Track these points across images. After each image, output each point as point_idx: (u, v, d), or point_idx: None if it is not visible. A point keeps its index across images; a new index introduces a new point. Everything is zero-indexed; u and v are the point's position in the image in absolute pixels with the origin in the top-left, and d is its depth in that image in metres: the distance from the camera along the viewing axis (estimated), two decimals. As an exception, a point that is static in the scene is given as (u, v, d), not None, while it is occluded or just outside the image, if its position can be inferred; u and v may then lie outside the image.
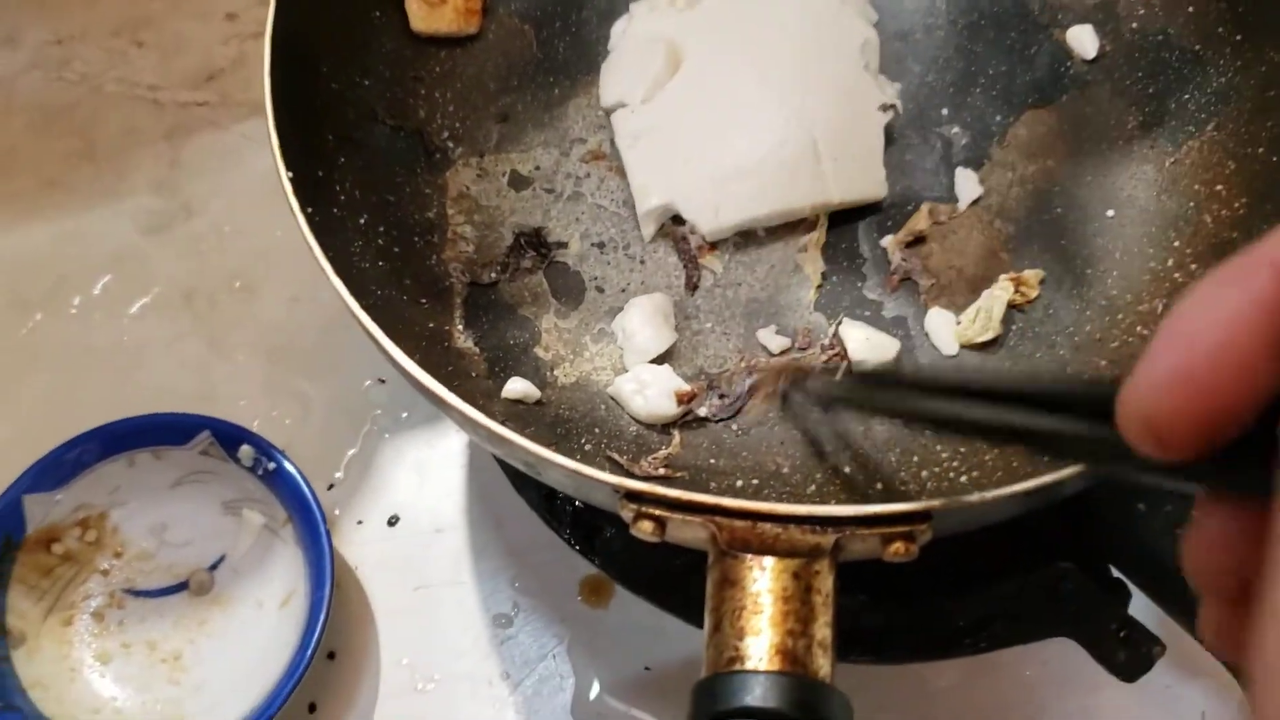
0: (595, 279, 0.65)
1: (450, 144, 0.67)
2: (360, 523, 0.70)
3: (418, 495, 0.72)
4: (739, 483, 0.58)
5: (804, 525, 0.46)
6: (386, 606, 0.68)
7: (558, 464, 0.48)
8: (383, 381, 0.75)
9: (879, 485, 0.57)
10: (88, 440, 0.64)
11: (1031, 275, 0.63)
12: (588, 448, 0.59)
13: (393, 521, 0.70)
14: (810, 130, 0.63)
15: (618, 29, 0.69)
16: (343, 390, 0.75)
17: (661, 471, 0.58)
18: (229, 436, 0.64)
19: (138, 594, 0.66)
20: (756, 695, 0.42)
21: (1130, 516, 0.58)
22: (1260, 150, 0.61)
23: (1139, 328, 0.60)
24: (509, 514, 0.71)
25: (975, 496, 0.47)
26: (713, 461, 0.59)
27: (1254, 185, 0.61)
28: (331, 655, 0.67)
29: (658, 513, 0.47)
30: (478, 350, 0.61)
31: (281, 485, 0.63)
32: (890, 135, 0.66)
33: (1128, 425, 0.28)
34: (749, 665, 0.43)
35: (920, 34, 0.70)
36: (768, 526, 0.46)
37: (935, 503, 0.47)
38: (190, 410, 0.65)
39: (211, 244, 0.79)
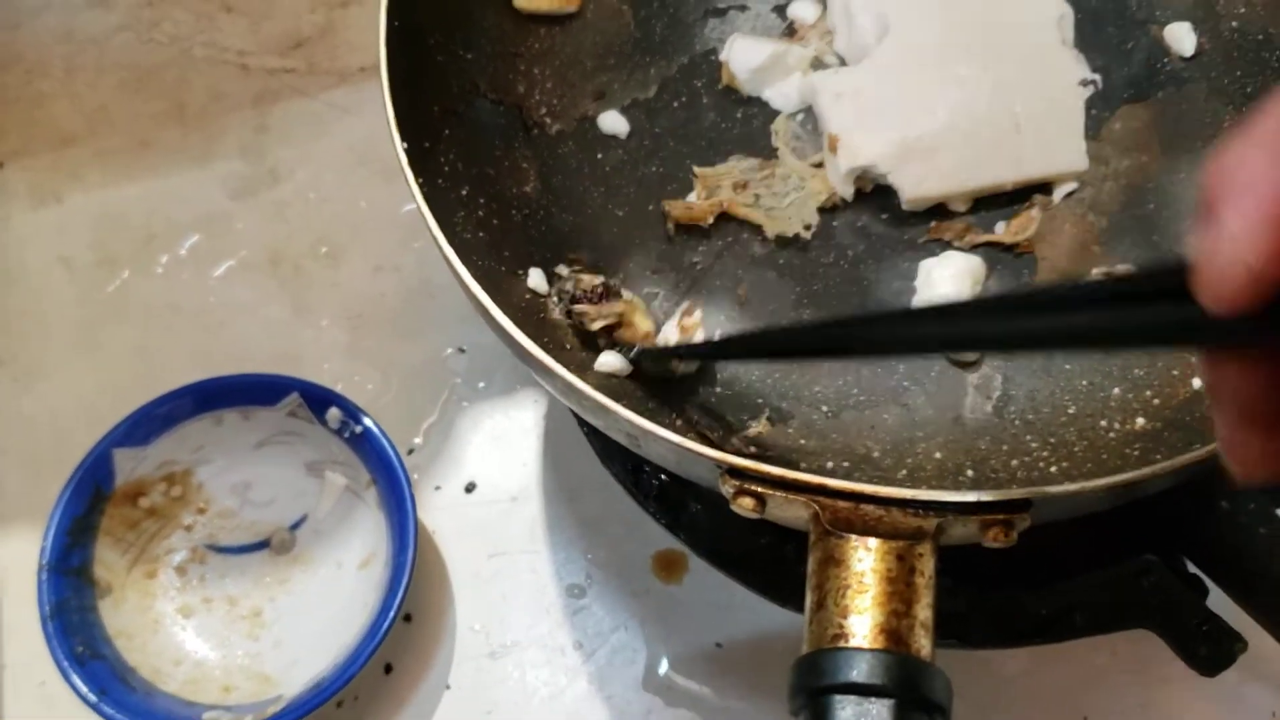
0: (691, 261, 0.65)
1: (548, 119, 0.68)
2: (438, 488, 0.71)
3: (494, 464, 0.73)
4: (829, 464, 0.59)
5: (907, 508, 0.47)
6: (462, 572, 0.69)
7: (663, 437, 0.49)
8: (462, 351, 0.76)
9: (970, 473, 0.58)
10: (179, 397, 0.65)
11: (1124, 269, 0.63)
12: (679, 423, 0.59)
13: (470, 488, 0.71)
14: (1011, 103, 0.64)
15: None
16: (423, 358, 0.76)
17: (751, 450, 0.59)
18: (318, 398, 0.64)
19: (220, 550, 0.67)
20: (862, 671, 0.43)
21: (1213, 512, 0.58)
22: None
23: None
24: (584, 486, 0.72)
25: (1076, 486, 0.47)
26: (802, 443, 0.60)
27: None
28: (408, 618, 0.68)
29: (759, 489, 0.48)
30: (569, 323, 0.62)
31: (367, 448, 0.64)
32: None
33: (1222, 280, 0.29)
34: (853, 643, 0.44)
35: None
36: (870, 508, 0.47)
37: (1037, 489, 0.47)
38: (275, 369, 0.66)
39: (297, 210, 0.80)
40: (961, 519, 0.47)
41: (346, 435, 0.65)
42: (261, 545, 0.67)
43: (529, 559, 0.70)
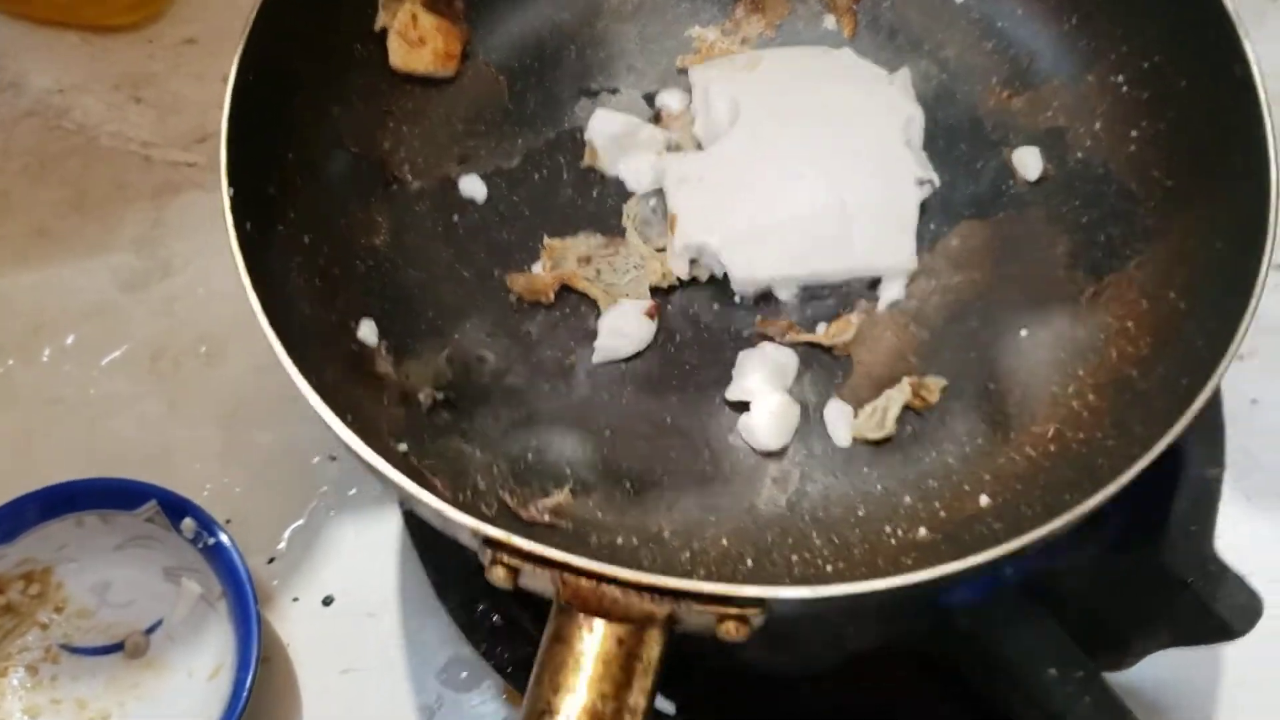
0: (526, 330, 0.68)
1: (409, 176, 0.70)
2: (296, 600, 0.70)
3: (355, 576, 0.73)
4: (619, 540, 0.60)
5: (643, 593, 0.49)
6: (314, 686, 0.69)
7: (423, 500, 0.51)
8: (333, 459, 0.76)
9: (749, 562, 0.59)
10: (39, 498, 0.65)
11: (934, 382, 0.64)
12: (481, 485, 0.61)
13: (327, 601, 0.71)
14: (847, 201, 0.66)
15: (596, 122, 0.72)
16: (295, 463, 0.76)
17: (547, 519, 0.60)
18: (174, 507, 0.64)
19: (74, 651, 0.66)
20: (556, 749, 0.44)
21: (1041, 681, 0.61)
22: (1172, 294, 0.63)
23: (1028, 448, 0.62)
24: (440, 605, 0.71)
25: (807, 592, 0.49)
26: (599, 515, 0.61)
27: (1161, 328, 0.62)
28: None
29: (512, 561, 0.50)
30: (395, 373, 0.64)
31: (219, 560, 0.64)
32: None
33: None
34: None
35: None
36: (609, 588, 0.49)
37: (768, 590, 0.49)
38: (145, 470, 0.66)
39: (185, 305, 0.80)
40: (695, 609, 0.49)
41: (200, 545, 0.64)
42: (116, 648, 0.66)
43: (381, 677, 0.70)
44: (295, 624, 0.69)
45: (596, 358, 0.66)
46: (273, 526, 0.72)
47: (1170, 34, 0.66)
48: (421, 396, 0.64)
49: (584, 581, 0.49)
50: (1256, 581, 0.60)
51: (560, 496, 0.62)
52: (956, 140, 0.71)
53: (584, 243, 0.69)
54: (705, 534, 0.61)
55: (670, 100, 0.73)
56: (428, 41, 0.70)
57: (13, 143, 0.83)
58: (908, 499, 0.62)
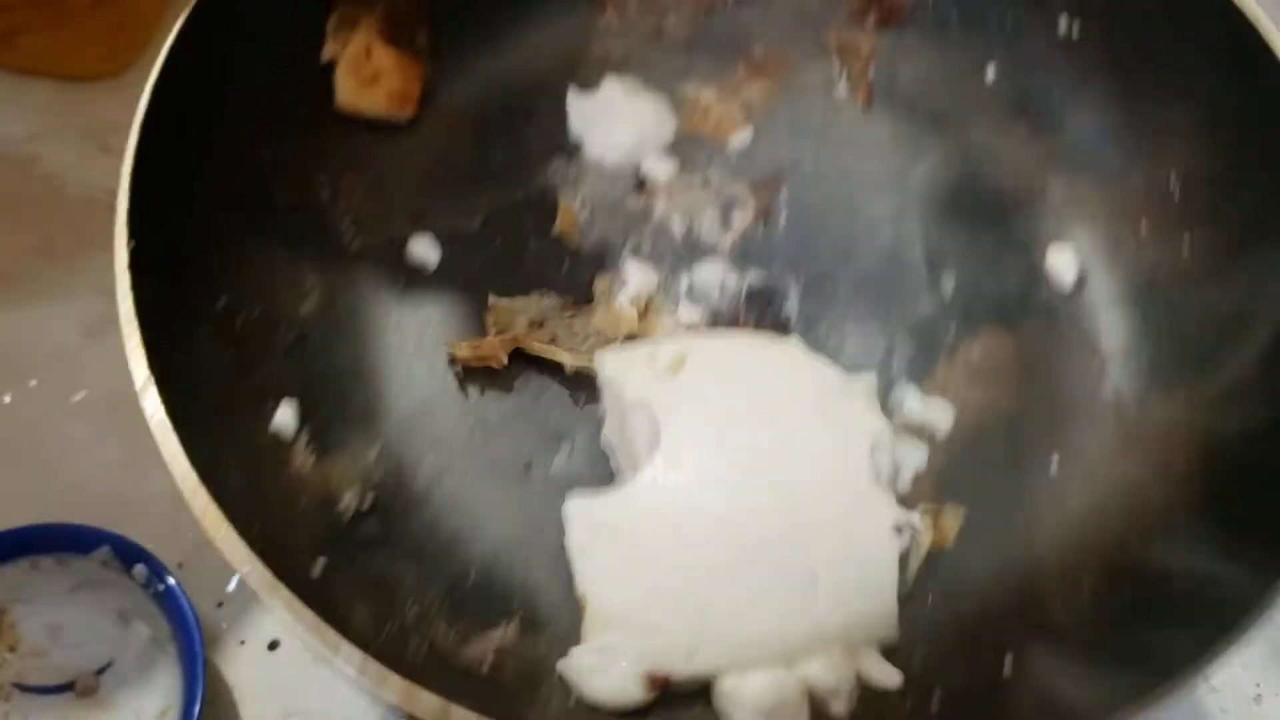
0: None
1: (349, 235, 0.62)
2: (243, 643, 0.69)
3: None
4: (573, 700, 0.52)
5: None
6: None
7: (331, 646, 0.42)
8: None
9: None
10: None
11: (952, 513, 0.57)
12: (412, 615, 0.53)
13: (273, 646, 0.69)
14: (807, 563, 0.54)
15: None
16: None
17: (490, 659, 0.52)
18: (126, 553, 0.66)
19: (26, 689, 0.67)
20: None
21: None
22: (1230, 432, 0.56)
23: (1060, 600, 0.55)
24: None
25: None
26: (547, 656, 0.53)
27: (1211, 470, 0.55)
28: None
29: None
30: (315, 471, 0.56)
31: (169, 605, 0.65)
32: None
33: None
34: None
35: (886, 221, 0.66)
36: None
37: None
38: (102, 513, 0.67)
39: None
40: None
41: (151, 590, 0.66)
42: (67, 687, 0.67)
43: None
44: (241, 667, 0.69)
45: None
46: (223, 571, 0.70)
47: (1237, 139, 0.60)
48: (345, 502, 0.55)
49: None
50: None
51: (507, 632, 0.53)
52: (982, 234, 0.66)
53: (535, 304, 0.62)
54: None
55: (657, 168, 0.66)
56: (382, 79, 0.64)
57: (-19, 191, 0.89)
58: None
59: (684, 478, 0.55)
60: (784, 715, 0.51)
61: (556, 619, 0.54)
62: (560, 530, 0.56)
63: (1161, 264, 0.62)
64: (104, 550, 0.66)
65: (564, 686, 0.52)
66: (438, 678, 0.47)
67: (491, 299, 0.61)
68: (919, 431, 0.60)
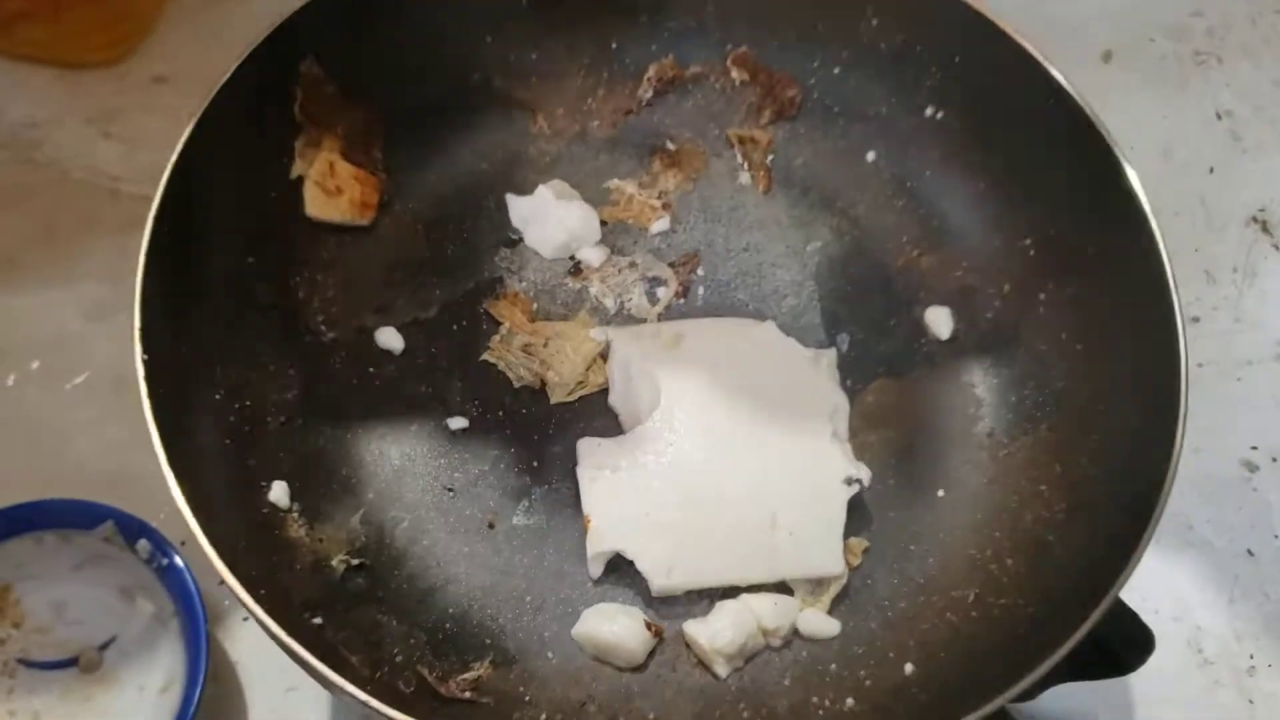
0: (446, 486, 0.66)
1: (324, 327, 0.68)
2: (246, 619, 0.70)
3: None
4: (543, 716, 0.59)
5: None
6: (260, 704, 0.69)
7: (347, 690, 0.49)
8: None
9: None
10: (3, 516, 0.67)
11: (856, 544, 0.65)
12: (399, 658, 0.59)
13: None
14: (771, 501, 0.64)
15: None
16: None
17: (468, 695, 0.58)
18: (130, 528, 0.66)
19: (30, 665, 0.67)
20: None
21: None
22: (1084, 460, 0.64)
23: (949, 613, 0.63)
24: None
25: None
26: (521, 690, 0.60)
27: (1074, 493, 0.64)
28: None
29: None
30: (308, 538, 0.62)
31: (172, 580, 0.66)
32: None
33: None
34: None
35: (789, 291, 0.73)
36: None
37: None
38: (105, 492, 0.67)
39: None
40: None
41: (155, 566, 0.66)
42: (71, 663, 0.67)
43: (326, 695, 0.68)
44: (244, 643, 0.70)
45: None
46: None
47: (1076, 200, 0.68)
48: (335, 562, 0.62)
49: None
50: (1149, 619, 0.61)
51: (480, 670, 0.60)
52: (870, 297, 0.73)
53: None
54: (630, 707, 0.60)
55: (590, 255, 0.73)
56: (345, 190, 0.69)
57: (-15, 174, 0.84)
58: (834, 666, 0.62)
59: (677, 430, 0.65)
60: (741, 647, 0.61)
61: (524, 655, 0.61)
62: (525, 576, 0.63)
63: (1023, 316, 0.70)
64: (107, 526, 0.66)
65: (535, 710, 0.59)
66: (426, 709, 0.55)
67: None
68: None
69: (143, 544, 0.66)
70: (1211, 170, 0.91)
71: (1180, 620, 0.73)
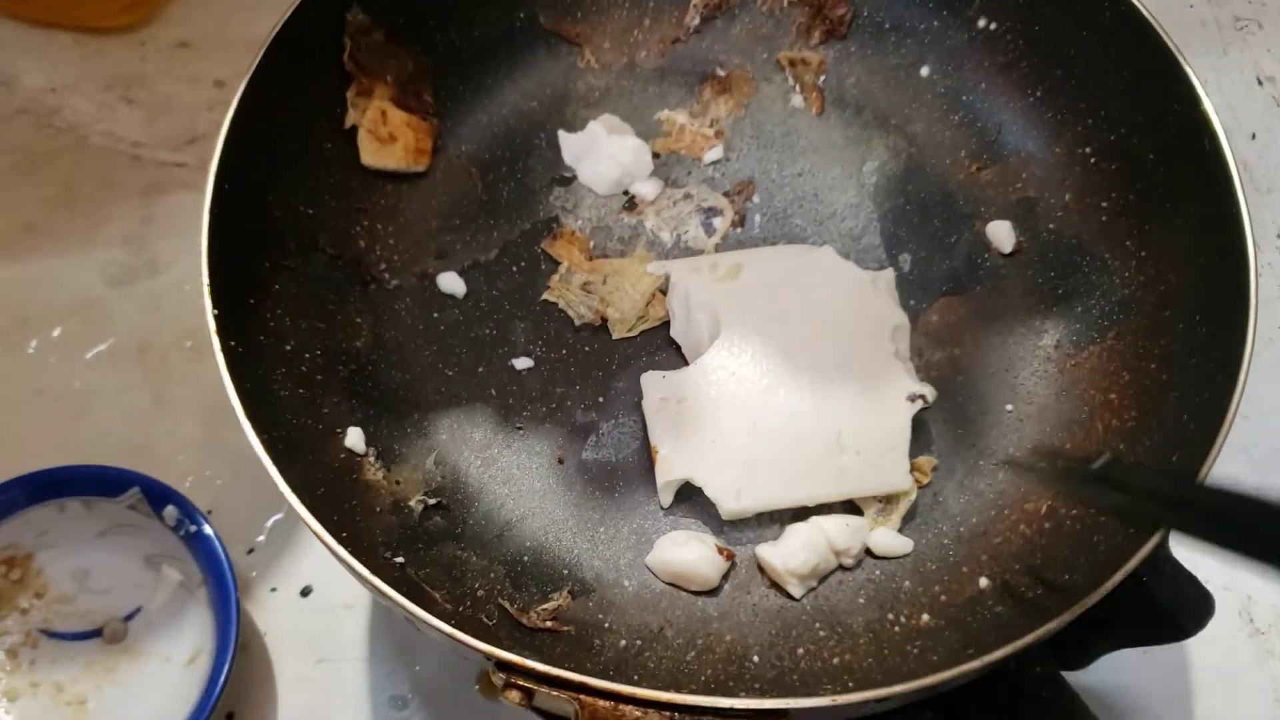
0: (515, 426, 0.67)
1: (387, 275, 0.69)
2: (274, 590, 0.71)
3: (333, 569, 0.69)
4: (622, 642, 0.60)
5: (663, 710, 0.48)
6: (289, 675, 0.69)
7: (437, 627, 0.50)
8: None
9: (755, 658, 0.59)
10: (22, 484, 0.66)
11: (925, 462, 0.65)
12: (480, 593, 0.60)
13: (305, 592, 0.71)
14: (836, 422, 0.64)
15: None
16: None
17: (549, 624, 0.60)
18: (157, 495, 0.65)
19: (53, 635, 0.67)
20: None
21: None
22: (1153, 366, 0.64)
23: (1022, 526, 0.63)
24: None
25: (828, 700, 0.49)
26: (600, 617, 0.61)
27: (1143, 400, 0.63)
28: (230, 716, 0.68)
29: (526, 684, 0.49)
30: (385, 480, 0.63)
31: (200, 548, 0.65)
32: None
33: None
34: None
35: (847, 214, 0.73)
36: (628, 708, 0.48)
37: (790, 701, 0.49)
38: (128, 461, 0.66)
39: (170, 301, 0.80)
40: (716, 724, 0.48)
41: (182, 533, 0.65)
42: (94, 633, 0.67)
43: (356, 667, 0.70)
44: (273, 614, 0.70)
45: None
46: (253, 518, 0.72)
47: (1135, 106, 0.67)
48: (413, 503, 0.63)
49: (601, 702, 0.49)
50: (1209, 583, 0.61)
51: (559, 600, 0.61)
52: (930, 215, 0.72)
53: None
54: (709, 630, 0.61)
55: (644, 189, 0.73)
56: (398, 138, 0.70)
57: (4, 140, 0.84)
58: (907, 584, 0.62)
59: (739, 359, 0.66)
60: (815, 568, 0.61)
61: (601, 584, 0.62)
62: (597, 508, 0.64)
63: (1086, 226, 0.69)
64: (133, 493, 0.64)
65: (615, 636, 0.60)
66: (510, 640, 0.57)
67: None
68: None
69: (170, 511, 0.65)
70: (1254, 136, 0.90)
71: (1230, 590, 0.73)
